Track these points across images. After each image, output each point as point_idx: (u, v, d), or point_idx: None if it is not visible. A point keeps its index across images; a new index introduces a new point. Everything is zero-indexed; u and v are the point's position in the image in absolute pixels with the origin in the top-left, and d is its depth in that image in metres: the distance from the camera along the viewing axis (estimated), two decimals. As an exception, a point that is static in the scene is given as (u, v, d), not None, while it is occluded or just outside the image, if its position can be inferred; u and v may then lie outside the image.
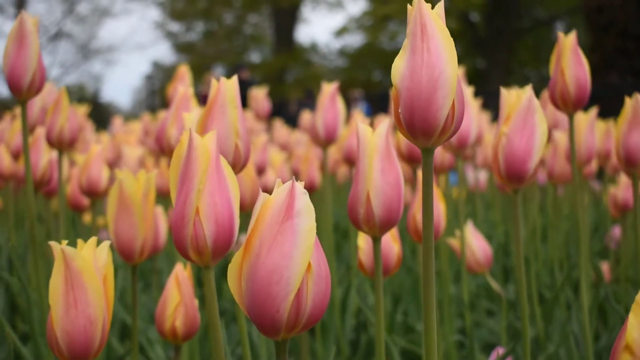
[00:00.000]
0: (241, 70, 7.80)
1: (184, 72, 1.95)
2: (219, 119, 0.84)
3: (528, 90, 0.83)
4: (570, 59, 1.06)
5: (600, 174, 3.19)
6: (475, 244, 1.58)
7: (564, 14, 16.39)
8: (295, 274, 0.48)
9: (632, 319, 0.53)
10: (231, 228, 0.64)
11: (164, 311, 0.94)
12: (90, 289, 0.66)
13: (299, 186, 0.49)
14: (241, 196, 1.38)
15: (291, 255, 0.48)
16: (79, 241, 0.68)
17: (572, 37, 1.06)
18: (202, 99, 5.34)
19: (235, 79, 0.86)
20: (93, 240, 0.67)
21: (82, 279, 0.65)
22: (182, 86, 1.23)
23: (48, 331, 0.67)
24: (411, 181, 2.04)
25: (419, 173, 1.17)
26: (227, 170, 0.64)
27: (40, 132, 1.48)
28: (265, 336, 0.51)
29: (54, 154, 1.58)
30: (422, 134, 0.57)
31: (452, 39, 0.56)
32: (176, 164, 0.67)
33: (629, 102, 1.15)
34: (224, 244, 0.63)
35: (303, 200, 0.49)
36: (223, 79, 0.85)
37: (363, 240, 1.03)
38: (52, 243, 0.65)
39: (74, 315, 0.66)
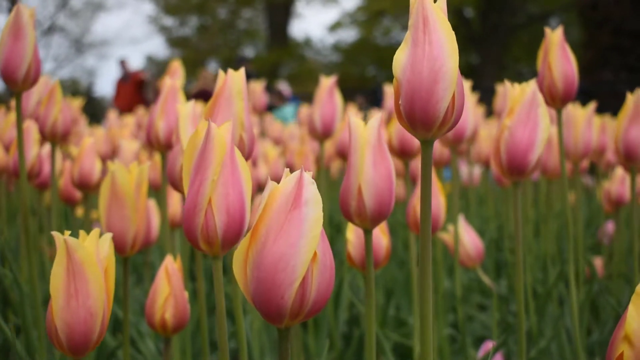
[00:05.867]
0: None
1: (177, 67, 1.95)
2: (224, 110, 0.84)
3: (532, 84, 0.84)
4: (558, 55, 1.06)
5: (593, 170, 3.20)
6: (466, 238, 1.58)
7: (558, 10, 16.41)
8: (301, 262, 0.48)
9: (631, 310, 0.53)
10: (242, 219, 0.64)
11: (154, 303, 0.94)
12: (92, 280, 0.66)
13: (307, 176, 0.50)
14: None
15: (298, 244, 0.48)
16: (81, 233, 0.68)
17: (559, 32, 1.07)
18: (196, 94, 5.31)
19: (242, 71, 0.86)
20: (95, 232, 0.67)
21: (83, 271, 0.65)
22: (171, 79, 1.22)
23: (48, 322, 0.67)
24: (403, 175, 2.04)
25: (419, 165, 1.17)
26: (241, 162, 0.65)
27: (30, 124, 1.48)
28: (269, 323, 0.51)
29: (45, 146, 1.58)
30: (422, 125, 0.57)
31: (453, 32, 0.57)
32: (190, 154, 0.67)
33: (630, 98, 1.16)
34: (234, 235, 0.64)
35: (311, 190, 0.49)
36: (231, 71, 0.85)
37: (352, 233, 1.03)
38: (55, 233, 0.65)
39: (75, 306, 0.65)
